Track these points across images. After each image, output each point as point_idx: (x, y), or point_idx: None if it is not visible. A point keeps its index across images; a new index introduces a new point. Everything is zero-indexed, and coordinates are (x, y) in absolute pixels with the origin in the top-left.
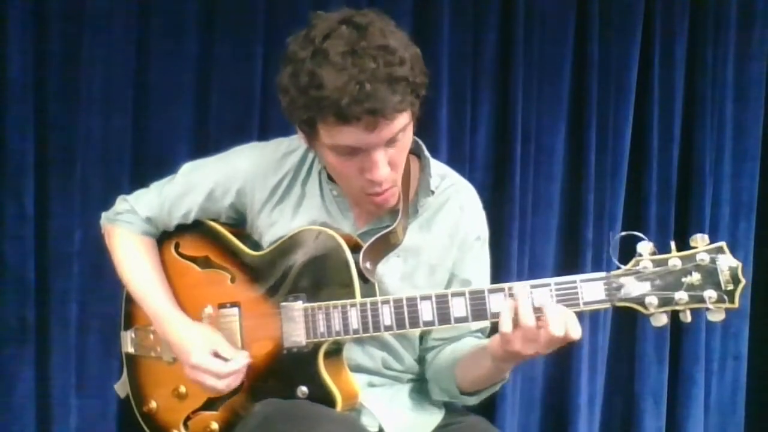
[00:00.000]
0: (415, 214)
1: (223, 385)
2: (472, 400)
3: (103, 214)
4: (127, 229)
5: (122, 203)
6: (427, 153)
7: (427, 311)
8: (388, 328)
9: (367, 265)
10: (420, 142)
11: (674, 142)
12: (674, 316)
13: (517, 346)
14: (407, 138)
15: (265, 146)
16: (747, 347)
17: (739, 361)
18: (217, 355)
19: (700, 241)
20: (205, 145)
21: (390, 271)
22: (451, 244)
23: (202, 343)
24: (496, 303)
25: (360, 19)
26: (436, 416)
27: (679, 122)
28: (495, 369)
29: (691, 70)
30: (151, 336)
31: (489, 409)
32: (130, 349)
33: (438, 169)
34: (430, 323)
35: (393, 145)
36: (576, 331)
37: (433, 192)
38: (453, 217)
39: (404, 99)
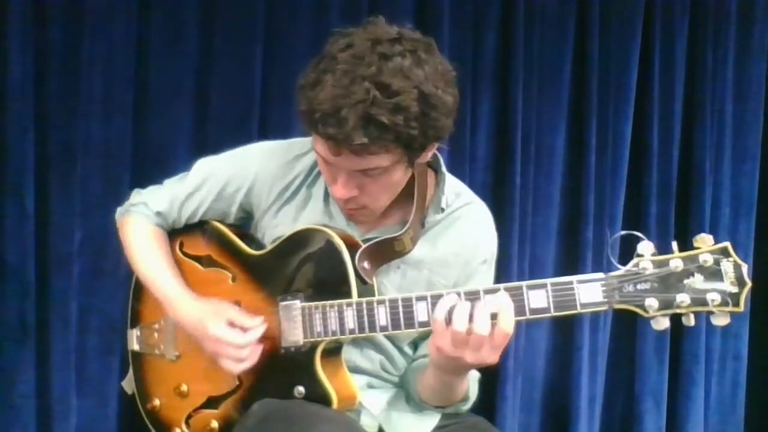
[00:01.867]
0: (422, 229)
1: (245, 354)
2: (434, 410)
3: (118, 209)
4: (140, 220)
5: (136, 196)
6: (444, 169)
7: (422, 312)
8: (383, 329)
9: (365, 265)
10: (439, 156)
11: (674, 142)
12: (677, 319)
13: (448, 348)
14: (390, 178)
15: (278, 146)
16: (747, 347)
17: (739, 361)
18: (231, 324)
19: (703, 241)
20: (205, 145)
21: (389, 282)
22: (455, 262)
23: (216, 315)
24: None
25: (387, 48)
26: (436, 417)
27: (679, 122)
28: (439, 379)
29: (691, 70)
30: (155, 334)
31: (489, 409)
32: (136, 347)
33: (453, 186)
34: (426, 324)
35: (368, 175)
36: (507, 324)
37: (443, 209)
38: (460, 237)
39: (377, 143)
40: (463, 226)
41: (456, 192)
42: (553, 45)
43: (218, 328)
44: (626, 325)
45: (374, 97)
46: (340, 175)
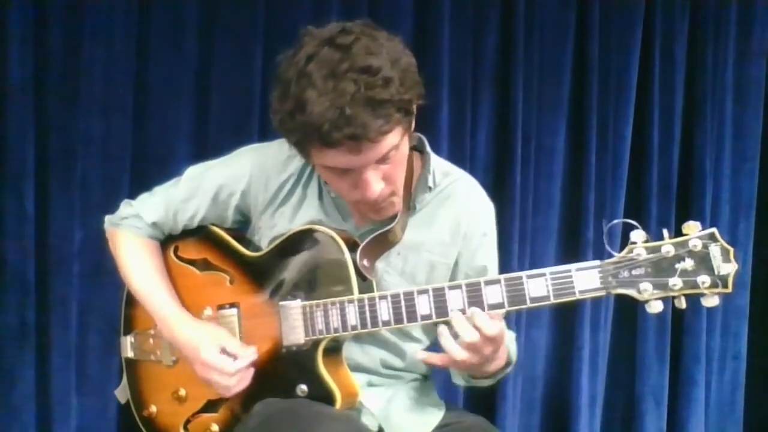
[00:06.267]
0: (414, 210)
1: (233, 381)
2: (486, 382)
3: (107, 218)
4: (132, 233)
5: (127, 208)
6: (428, 149)
7: (424, 305)
8: (386, 323)
9: (365, 262)
10: (423, 138)
11: (674, 142)
12: (677, 318)
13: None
14: (401, 154)
15: (269, 147)
16: (746, 347)
17: (739, 360)
18: (224, 351)
19: (690, 228)
20: (205, 146)
21: (391, 269)
22: (452, 241)
23: (210, 340)
24: (493, 294)
25: (343, 39)
26: (436, 416)
27: (679, 122)
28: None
29: (691, 70)
30: (151, 340)
31: (489, 409)
32: (130, 354)
33: (442, 166)
34: (428, 317)
35: (385, 162)
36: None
37: (431, 188)
38: (454, 214)
39: (389, 120)
40: (454, 203)
41: (444, 171)
42: (554, 45)
43: (210, 354)
44: (626, 324)
45: (364, 82)
46: (365, 176)
